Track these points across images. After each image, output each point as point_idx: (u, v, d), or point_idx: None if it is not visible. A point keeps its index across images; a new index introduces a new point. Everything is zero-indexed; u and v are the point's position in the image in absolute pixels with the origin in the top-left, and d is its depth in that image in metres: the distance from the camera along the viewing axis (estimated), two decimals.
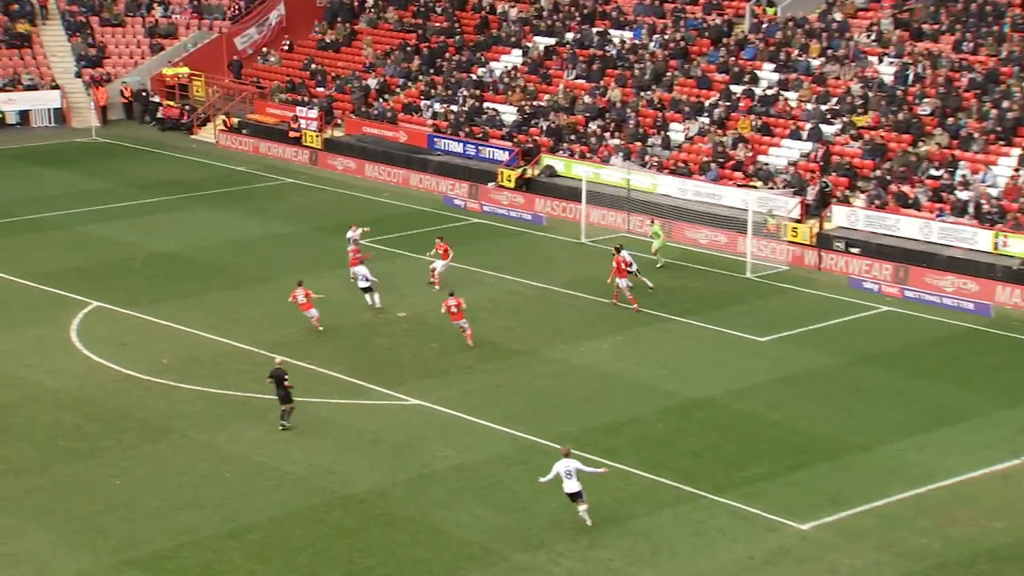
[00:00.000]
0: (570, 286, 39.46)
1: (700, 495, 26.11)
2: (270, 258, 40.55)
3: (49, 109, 61.53)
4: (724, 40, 53.52)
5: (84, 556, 23.21)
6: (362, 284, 36.85)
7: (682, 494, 26.12)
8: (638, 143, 49.28)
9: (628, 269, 37.29)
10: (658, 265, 40.99)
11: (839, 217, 42.96)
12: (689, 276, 40.96)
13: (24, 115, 61.08)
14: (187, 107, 62.10)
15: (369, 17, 64.71)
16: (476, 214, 48.02)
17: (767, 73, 51.05)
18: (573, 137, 51.15)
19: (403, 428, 29.10)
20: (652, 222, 42.67)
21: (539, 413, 30.01)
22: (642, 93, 52.07)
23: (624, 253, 37.61)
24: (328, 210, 48.11)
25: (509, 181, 49.39)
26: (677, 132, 49.76)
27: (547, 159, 50.13)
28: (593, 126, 51.20)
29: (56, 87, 62.20)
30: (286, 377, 28.89)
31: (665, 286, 39.81)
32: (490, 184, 47.67)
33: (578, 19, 58.12)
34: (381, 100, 57.57)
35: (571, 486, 24.57)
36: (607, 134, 50.44)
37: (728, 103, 49.87)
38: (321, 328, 34.72)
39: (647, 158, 48.42)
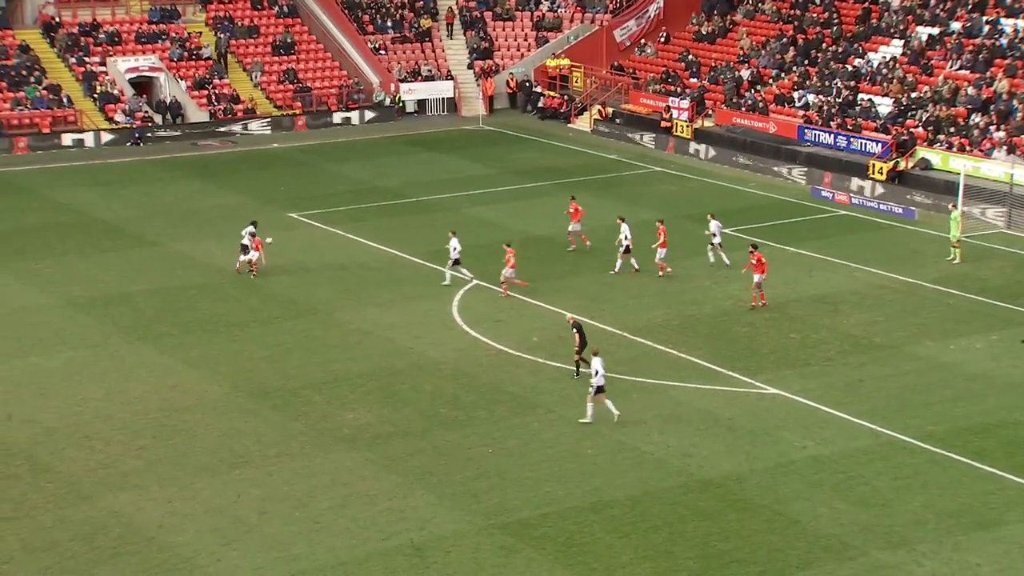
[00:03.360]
0: (941, 282, 38.24)
1: None
2: (637, 244, 41.59)
3: (443, 98, 65.78)
4: None
5: (459, 518, 24.73)
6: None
7: None
8: None
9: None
10: (950, 258, 39.75)
11: None
12: None
13: (421, 104, 65.62)
14: (566, 97, 64.49)
15: (747, 9, 64.72)
16: (844, 206, 47.24)
17: None
18: (952, 130, 49.26)
19: (761, 416, 29.26)
20: (952, 207, 40.87)
21: (903, 410, 29.39)
22: None
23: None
24: (694, 199, 48.78)
25: (880, 173, 48.25)
26: None
27: (922, 152, 48.54)
28: (976, 118, 49.10)
29: (450, 78, 66.36)
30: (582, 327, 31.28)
31: None
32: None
33: (968, 7, 55.76)
34: (753, 91, 57.55)
35: (599, 380, 28.26)
36: (991, 127, 48.25)
37: None
38: (253, 273, 38.85)
39: None
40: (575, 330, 31.30)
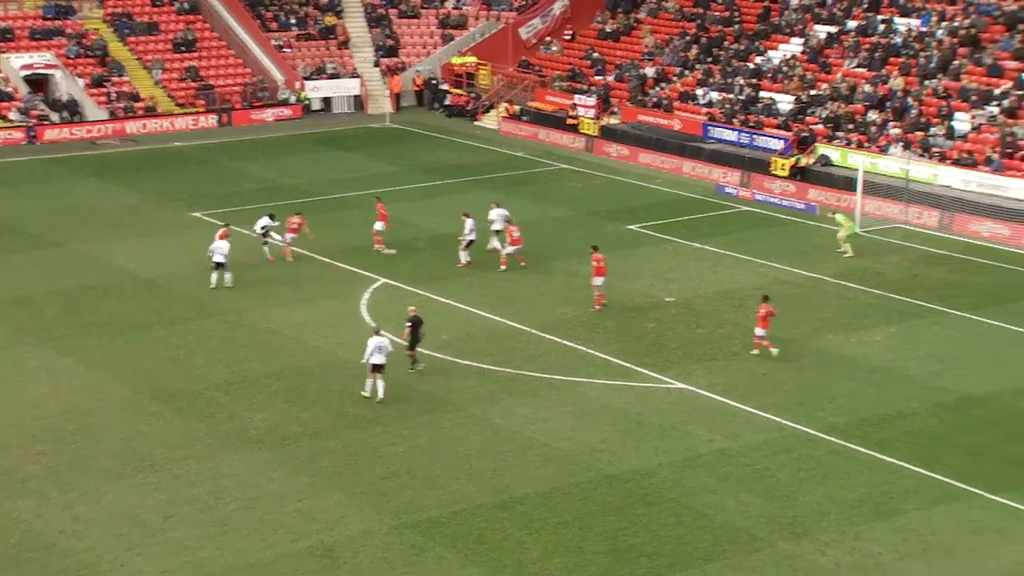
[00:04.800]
0: (841, 276, 39.01)
1: (977, 493, 25.40)
2: (545, 241, 41.83)
3: (349, 96, 65.30)
4: (1020, 26, 51.32)
5: (369, 517, 24.63)
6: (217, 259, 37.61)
7: (956, 491, 25.49)
8: (919, 132, 47.98)
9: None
10: (847, 254, 40.58)
11: None
12: (969, 270, 39.71)
13: (327, 102, 65.08)
14: (473, 95, 64.49)
15: (650, 7, 65.33)
16: (747, 202, 47.95)
17: None
18: (851, 126, 50.26)
19: (669, 411, 29.55)
20: (834, 212, 41.86)
21: (806, 402, 29.89)
22: (926, 82, 50.60)
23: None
24: (601, 196, 49.13)
25: (783, 170, 49.04)
26: (962, 122, 48.14)
27: (822, 148, 49.46)
28: (872, 115, 50.16)
29: (356, 76, 65.92)
30: (422, 325, 31.30)
31: (943, 279, 38.82)
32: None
33: (863, 6, 56.98)
34: (658, 88, 58.12)
35: (379, 359, 29.41)
36: (888, 123, 49.35)
37: (1021, 91, 47.83)
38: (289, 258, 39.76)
39: (928, 148, 47.13)
40: (409, 324, 31.31)
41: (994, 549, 23.57)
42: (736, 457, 27.16)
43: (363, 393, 30.04)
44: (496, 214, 40.72)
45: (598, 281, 35.83)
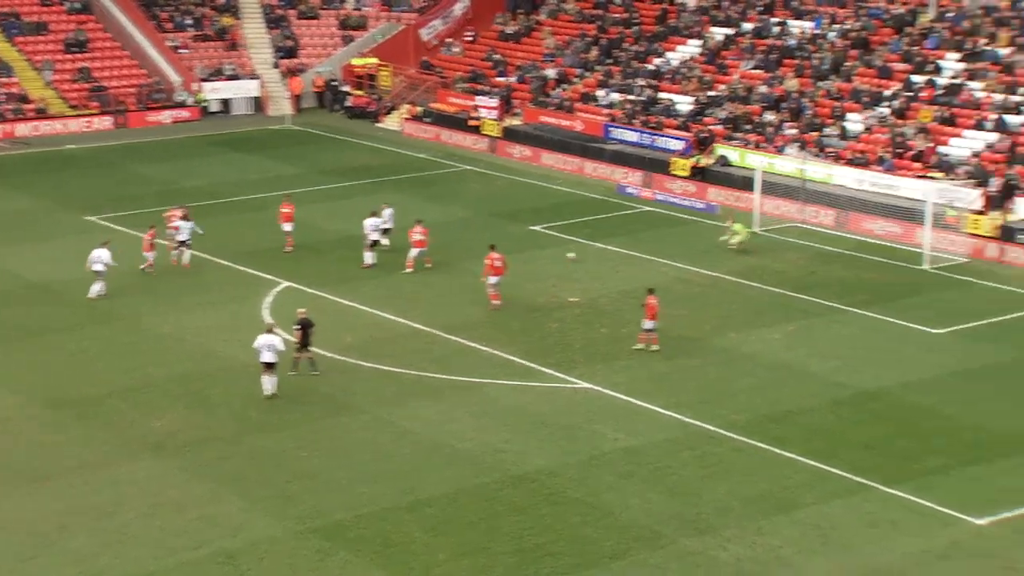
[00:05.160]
0: (741, 275, 39.59)
1: (872, 486, 25.93)
2: (450, 242, 41.80)
3: (249, 98, 64.49)
4: (907, 29, 52.62)
5: (273, 522, 24.41)
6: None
7: (853, 485, 26.01)
8: (814, 133, 48.94)
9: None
10: (733, 243, 41.54)
11: None
12: (863, 267, 40.58)
13: (225, 103, 64.20)
14: (374, 96, 64.17)
15: (550, 8, 65.68)
16: (648, 202, 48.44)
17: (951, 63, 49.99)
18: (748, 127, 51.05)
19: (573, 411, 29.70)
20: (732, 221, 42.20)
21: (708, 400, 30.27)
22: (820, 83, 51.62)
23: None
24: (505, 196, 49.25)
25: (683, 170, 49.64)
26: (855, 122, 49.20)
27: (721, 148, 50.17)
28: (769, 116, 51.02)
29: (255, 77, 65.14)
30: (312, 327, 31.19)
31: (839, 277, 39.62)
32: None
33: (758, 9, 57.95)
34: (559, 90, 58.44)
35: (269, 357, 29.54)
36: (784, 124, 50.22)
37: (909, 93, 49.05)
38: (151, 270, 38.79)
39: (823, 148, 48.08)
40: (298, 326, 31.13)
41: (889, 541, 24.09)
42: (640, 455, 27.39)
43: (264, 394, 29.76)
44: (388, 214, 41.24)
45: (492, 280, 35.90)
